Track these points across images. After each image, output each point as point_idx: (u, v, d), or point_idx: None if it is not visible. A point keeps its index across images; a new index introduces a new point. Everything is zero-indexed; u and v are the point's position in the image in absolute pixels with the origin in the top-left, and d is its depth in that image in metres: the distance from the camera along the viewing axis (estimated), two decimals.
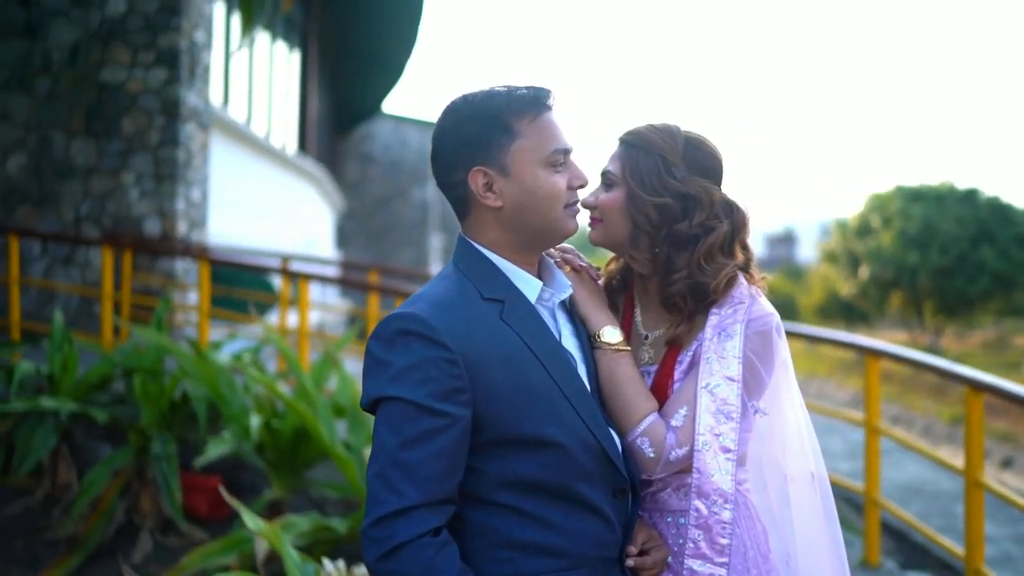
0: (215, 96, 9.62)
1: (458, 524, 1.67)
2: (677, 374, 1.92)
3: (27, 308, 7.80)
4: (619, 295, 2.07)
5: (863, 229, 26.82)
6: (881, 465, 5.00)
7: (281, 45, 13.47)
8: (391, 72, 17.31)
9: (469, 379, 1.63)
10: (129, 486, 5.25)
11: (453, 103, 1.78)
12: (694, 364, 1.89)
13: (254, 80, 11.89)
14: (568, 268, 1.96)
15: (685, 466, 1.84)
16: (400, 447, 1.58)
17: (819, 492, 1.93)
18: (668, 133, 1.94)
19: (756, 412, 1.89)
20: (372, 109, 20.31)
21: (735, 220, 1.93)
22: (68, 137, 8.04)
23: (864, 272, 26.25)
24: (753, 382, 1.87)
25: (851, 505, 6.18)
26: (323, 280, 7.14)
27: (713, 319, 1.89)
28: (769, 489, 1.95)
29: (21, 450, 5.12)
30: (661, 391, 1.91)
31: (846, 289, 27.68)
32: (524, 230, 1.77)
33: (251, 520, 3.25)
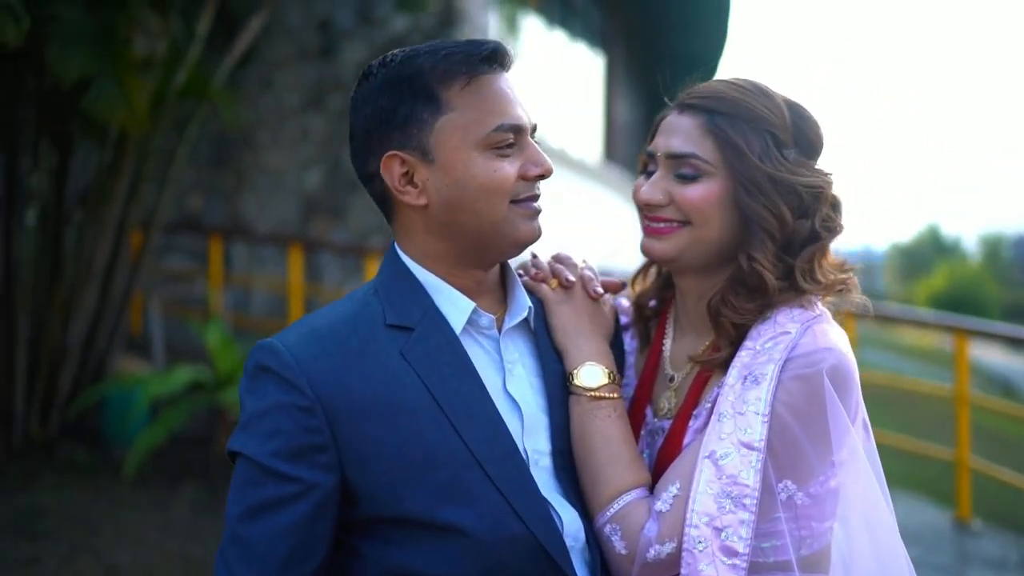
0: None
1: None
2: (689, 434, 1.34)
3: None
4: (653, 323, 1.53)
5: None
6: None
7: (582, 48, 13.34)
8: (704, 71, 16.57)
9: (332, 434, 1.22)
10: None
11: (368, 67, 1.34)
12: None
13: (551, 87, 11.84)
14: (555, 283, 1.44)
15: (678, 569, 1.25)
16: (240, 518, 1.22)
17: None
18: (768, 97, 1.40)
19: (790, 497, 1.25)
20: None
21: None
22: None
23: None
24: (786, 454, 1.24)
25: None
26: None
27: (744, 356, 1.29)
28: None
29: None
30: (670, 457, 1.33)
31: None
32: (458, 237, 1.31)
33: None
